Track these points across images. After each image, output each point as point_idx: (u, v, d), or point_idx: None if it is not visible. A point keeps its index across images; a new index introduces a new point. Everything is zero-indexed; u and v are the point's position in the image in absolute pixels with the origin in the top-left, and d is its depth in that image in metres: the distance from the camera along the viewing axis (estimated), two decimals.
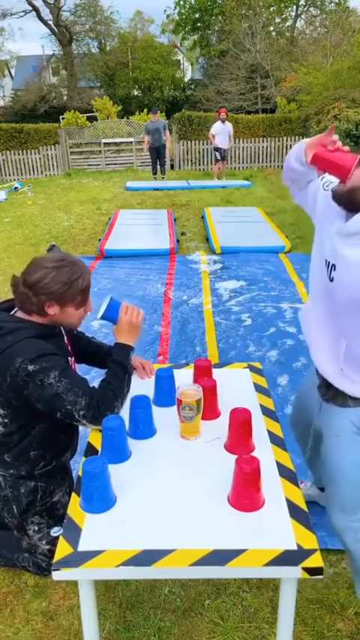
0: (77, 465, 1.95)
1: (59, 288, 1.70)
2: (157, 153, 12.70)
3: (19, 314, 1.80)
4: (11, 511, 1.93)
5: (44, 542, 1.97)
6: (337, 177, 1.48)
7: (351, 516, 1.71)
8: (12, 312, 1.83)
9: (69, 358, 1.87)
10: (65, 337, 1.96)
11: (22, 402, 1.71)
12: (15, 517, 1.94)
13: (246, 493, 1.41)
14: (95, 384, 1.77)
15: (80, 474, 1.47)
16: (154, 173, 13.11)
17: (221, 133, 12.14)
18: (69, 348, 1.95)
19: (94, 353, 2.13)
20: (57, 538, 1.91)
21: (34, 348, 1.66)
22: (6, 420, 1.78)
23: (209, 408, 1.83)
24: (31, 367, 1.62)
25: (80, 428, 2.26)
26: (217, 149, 12.45)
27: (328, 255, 1.54)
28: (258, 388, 2.05)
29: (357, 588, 1.89)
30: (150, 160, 13.38)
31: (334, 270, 1.51)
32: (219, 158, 12.69)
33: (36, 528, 1.96)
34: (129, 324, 1.85)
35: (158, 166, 12.98)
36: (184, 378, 1.96)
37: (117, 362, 1.79)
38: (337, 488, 1.72)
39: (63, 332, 1.96)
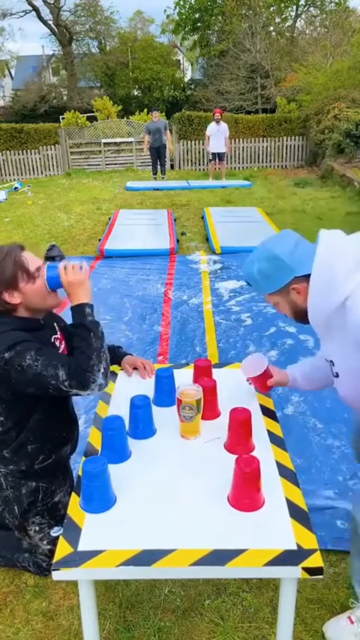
0: (77, 464, 1.95)
1: None
2: (158, 153, 12.69)
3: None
4: (12, 512, 1.93)
5: (45, 542, 1.97)
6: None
7: None
8: None
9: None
10: (58, 333, 1.94)
11: (12, 395, 1.71)
12: (16, 517, 1.94)
13: (246, 493, 1.41)
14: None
15: (80, 473, 1.47)
16: (154, 173, 13.11)
17: (215, 134, 12.07)
18: (58, 343, 1.93)
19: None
20: (57, 538, 1.91)
21: (7, 338, 1.66)
22: (1, 418, 1.79)
23: (209, 408, 1.83)
24: (7, 355, 1.62)
25: (80, 428, 2.27)
26: (212, 153, 12.44)
27: (326, 356, 1.64)
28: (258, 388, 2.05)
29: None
30: (150, 160, 13.38)
31: (333, 365, 1.59)
32: (211, 158, 12.68)
33: (37, 528, 1.96)
34: (72, 284, 1.73)
35: (158, 166, 12.97)
36: (184, 378, 1.96)
37: (76, 325, 1.73)
38: None
39: (56, 328, 1.95)
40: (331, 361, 1.58)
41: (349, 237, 1.49)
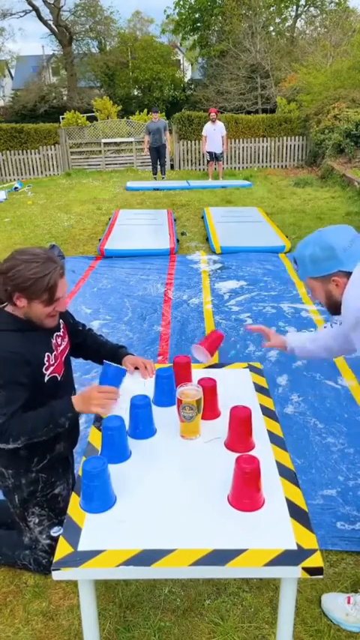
0: (77, 464, 1.95)
1: (23, 282, 1.69)
2: (157, 153, 12.68)
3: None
4: (13, 501, 1.96)
5: (44, 536, 1.99)
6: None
7: None
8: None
9: (47, 354, 1.83)
10: (62, 330, 1.95)
11: None
12: (16, 507, 1.97)
13: (246, 493, 1.41)
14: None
15: (80, 473, 1.47)
16: (154, 173, 13.10)
17: (211, 134, 12.04)
18: (60, 340, 1.93)
19: (98, 349, 2.13)
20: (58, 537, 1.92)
21: None
22: None
23: (209, 407, 1.83)
24: None
25: (80, 428, 2.27)
26: (208, 152, 12.43)
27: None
28: (258, 388, 2.05)
29: None
30: (150, 160, 13.37)
31: None
32: (209, 159, 12.68)
33: (36, 520, 1.98)
34: (91, 398, 1.77)
35: (158, 166, 12.97)
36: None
37: (54, 408, 1.78)
38: None
39: (61, 325, 1.96)
40: None
41: None
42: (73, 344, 2.07)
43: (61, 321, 1.98)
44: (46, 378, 1.82)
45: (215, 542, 1.31)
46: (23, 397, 1.75)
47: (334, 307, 1.69)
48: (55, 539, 1.95)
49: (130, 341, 4.17)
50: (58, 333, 1.94)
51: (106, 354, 2.10)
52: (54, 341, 1.89)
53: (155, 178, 13.03)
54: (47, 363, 1.83)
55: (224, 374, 2.13)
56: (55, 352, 1.88)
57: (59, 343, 1.93)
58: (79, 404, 1.78)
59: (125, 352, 2.16)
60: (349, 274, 1.60)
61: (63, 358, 1.95)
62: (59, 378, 1.89)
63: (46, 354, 1.83)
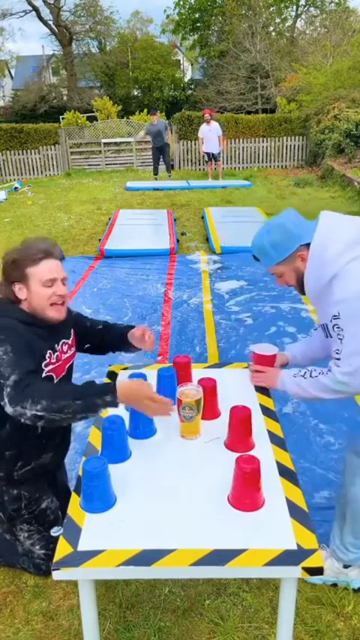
0: (77, 464, 1.95)
1: (8, 264, 1.78)
2: (161, 152, 12.65)
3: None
4: None
5: (37, 547, 1.97)
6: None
7: None
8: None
9: (49, 351, 1.82)
10: (70, 340, 1.96)
11: None
12: (3, 522, 1.96)
13: (246, 493, 1.41)
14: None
15: (80, 473, 1.47)
16: (155, 173, 13.07)
17: (207, 135, 12.04)
18: (67, 347, 1.93)
19: (104, 336, 2.11)
20: (51, 542, 1.92)
21: None
22: None
23: (209, 407, 1.83)
24: None
25: (80, 428, 2.27)
26: (205, 153, 12.43)
27: (321, 320, 1.82)
28: (258, 388, 2.05)
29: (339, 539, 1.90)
30: (151, 161, 13.37)
31: (327, 327, 1.75)
32: (207, 160, 12.69)
33: (26, 535, 1.97)
34: (143, 398, 1.62)
35: (162, 166, 12.93)
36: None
37: (89, 388, 1.62)
38: None
39: (71, 333, 1.96)
40: (326, 325, 1.75)
41: (346, 219, 1.69)
42: (94, 344, 2.10)
43: (72, 331, 1.99)
44: (43, 374, 1.81)
45: (215, 542, 1.31)
46: (33, 366, 1.69)
47: (303, 284, 1.74)
48: (50, 548, 1.95)
49: None
50: (66, 341, 1.93)
51: (115, 336, 2.11)
52: (58, 347, 1.88)
53: (156, 178, 13.01)
54: (48, 360, 1.82)
55: (224, 374, 2.13)
56: (57, 353, 1.88)
57: (64, 350, 1.92)
58: (124, 396, 1.59)
59: (124, 327, 2.12)
60: (309, 246, 1.66)
61: (66, 366, 1.94)
62: (55, 380, 1.87)
63: (48, 351, 1.83)
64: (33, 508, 1.94)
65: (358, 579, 1.95)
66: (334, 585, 1.96)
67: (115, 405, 1.59)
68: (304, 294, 1.77)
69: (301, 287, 1.76)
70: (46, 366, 1.81)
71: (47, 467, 1.97)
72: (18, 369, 1.59)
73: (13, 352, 1.64)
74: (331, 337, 1.73)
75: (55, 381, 1.87)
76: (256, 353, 2.03)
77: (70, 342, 1.97)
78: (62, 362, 1.91)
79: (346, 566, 1.93)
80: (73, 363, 2.03)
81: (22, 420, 1.56)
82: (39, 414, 1.52)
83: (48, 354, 1.83)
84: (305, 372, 1.83)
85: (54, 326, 1.86)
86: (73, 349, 2.00)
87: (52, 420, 1.55)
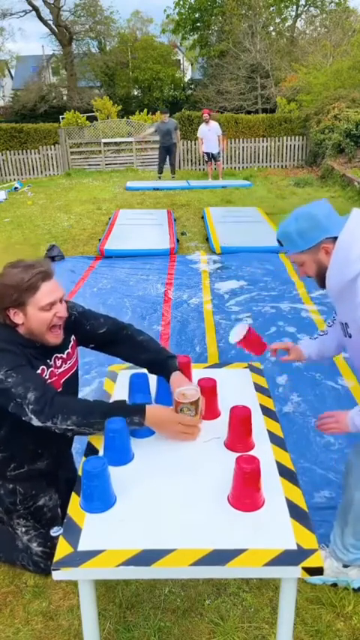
0: (77, 464, 1.95)
1: (6, 292, 1.68)
2: (167, 152, 12.64)
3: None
4: None
5: (35, 544, 1.98)
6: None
7: None
8: None
9: (42, 367, 1.79)
10: (65, 353, 1.90)
11: None
12: (2, 513, 1.98)
13: (246, 493, 1.41)
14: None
15: (80, 473, 1.47)
16: (160, 172, 13.04)
17: (206, 135, 12.02)
18: (53, 362, 1.85)
19: (138, 355, 2.00)
20: (49, 540, 1.92)
21: None
22: None
23: (209, 407, 1.83)
24: None
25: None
26: (205, 153, 12.43)
27: (341, 318, 1.79)
28: (258, 388, 2.05)
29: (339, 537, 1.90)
30: (151, 160, 13.36)
31: (348, 327, 1.74)
32: (207, 160, 12.69)
33: (23, 530, 1.97)
34: (169, 429, 1.67)
35: (167, 165, 12.91)
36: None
37: (119, 407, 1.66)
38: None
39: (69, 345, 1.91)
40: (346, 323, 1.73)
41: None
42: (103, 343, 2.01)
43: (72, 337, 1.93)
44: None
45: (215, 542, 1.31)
46: (42, 378, 1.69)
47: (323, 278, 1.71)
48: (47, 546, 1.95)
49: None
50: (60, 355, 1.87)
51: (149, 362, 1.96)
52: (51, 362, 1.84)
53: (160, 178, 12.98)
54: (46, 376, 1.80)
55: (224, 374, 2.13)
56: (51, 369, 1.83)
57: (58, 365, 1.86)
58: (155, 422, 1.66)
59: (174, 367, 1.91)
60: (335, 240, 1.63)
61: (62, 380, 1.88)
62: None
63: (42, 367, 1.79)
64: (29, 504, 1.95)
65: (358, 579, 1.95)
66: (334, 585, 1.96)
67: (141, 425, 1.66)
68: (323, 287, 1.74)
69: (321, 280, 1.73)
70: None
71: (43, 471, 1.96)
72: (32, 385, 1.61)
73: (14, 372, 1.62)
74: (350, 337, 1.72)
75: None
76: (242, 343, 2.02)
77: (65, 355, 1.90)
78: (57, 377, 1.86)
79: (345, 566, 1.93)
80: (74, 375, 1.97)
81: (53, 429, 1.61)
82: (69, 427, 1.61)
83: (41, 370, 1.78)
84: None
85: (48, 345, 1.81)
86: (72, 361, 1.93)
87: (82, 432, 1.65)
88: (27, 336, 1.75)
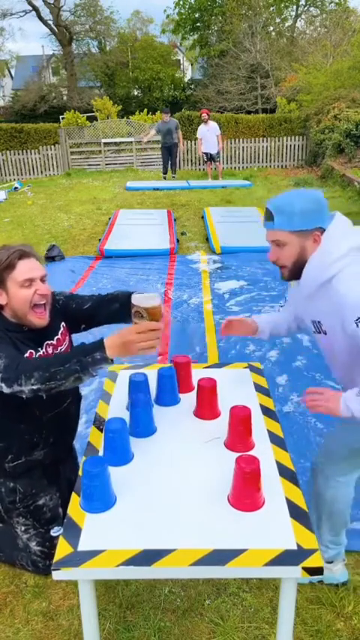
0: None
1: None
2: (169, 152, 12.65)
3: None
4: None
5: (34, 543, 1.98)
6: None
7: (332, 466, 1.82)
8: None
9: (30, 350, 1.80)
10: (55, 339, 1.91)
11: None
12: (2, 512, 1.98)
13: (246, 493, 1.41)
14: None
15: (80, 473, 1.47)
16: (164, 172, 13.03)
17: (205, 135, 12.01)
18: (51, 349, 1.88)
19: (95, 313, 2.03)
20: (48, 540, 1.93)
21: None
22: None
23: (209, 407, 1.84)
24: None
25: (80, 428, 2.26)
26: (204, 153, 12.43)
27: (312, 316, 1.76)
28: (258, 388, 2.05)
29: (321, 533, 1.91)
30: (151, 160, 13.36)
31: (321, 324, 1.71)
32: (206, 160, 12.69)
33: (22, 529, 1.98)
34: (131, 341, 1.59)
35: (169, 165, 12.93)
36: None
37: (78, 350, 1.62)
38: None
39: (62, 328, 1.94)
40: (319, 321, 1.71)
41: (352, 228, 1.65)
42: (91, 317, 2.03)
43: (62, 324, 1.95)
44: None
45: (215, 542, 1.31)
46: (18, 353, 1.71)
47: (298, 268, 1.66)
48: (46, 546, 1.96)
49: None
50: (50, 342, 1.89)
51: (121, 306, 1.99)
52: (42, 349, 1.85)
53: (165, 178, 12.98)
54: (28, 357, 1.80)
55: (224, 374, 2.13)
56: (40, 354, 1.84)
57: (49, 353, 1.86)
58: (115, 348, 1.58)
59: (127, 294, 1.99)
60: (322, 233, 1.61)
61: None
62: None
63: (29, 350, 1.80)
64: (28, 503, 1.95)
65: (343, 573, 1.98)
66: (321, 582, 1.98)
67: (107, 360, 1.59)
68: (291, 279, 1.71)
69: (294, 270, 1.67)
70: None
71: (42, 462, 1.97)
72: (3, 354, 1.62)
73: None
74: (324, 334, 1.70)
75: None
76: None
77: (55, 342, 1.91)
78: None
79: (328, 563, 1.95)
80: None
81: (25, 397, 1.59)
82: (34, 387, 1.56)
83: (28, 354, 1.79)
84: None
85: (36, 330, 1.82)
86: (63, 348, 1.94)
87: (50, 388, 1.58)
88: (13, 319, 1.79)
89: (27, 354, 1.78)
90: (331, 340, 1.72)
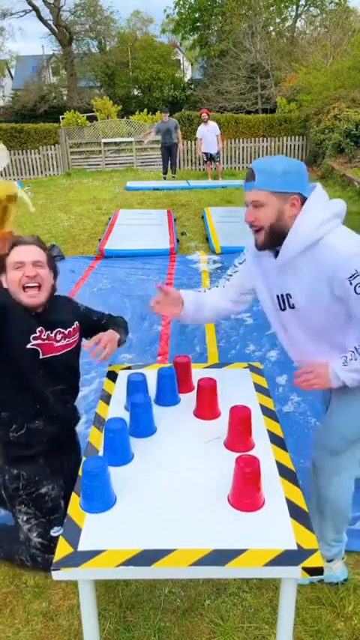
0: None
1: None
2: (168, 152, 12.64)
3: None
4: (1, 496, 2.04)
5: (34, 534, 2.00)
6: None
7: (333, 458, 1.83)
8: None
9: (40, 327, 1.94)
10: (67, 331, 2.05)
11: None
12: (5, 502, 2.04)
13: (246, 493, 1.41)
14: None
15: (80, 473, 1.47)
16: (165, 173, 13.03)
17: (205, 135, 12.01)
18: (51, 326, 1.99)
19: (105, 327, 2.20)
20: (48, 532, 1.95)
21: None
22: None
23: (209, 407, 1.84)
24: None
25: (80, 428, 2.27)
26: (204, 153, 12.44)
27: (278, 291, 1.76)
28: (258, 388, 2.05)
29: (320, 531, 1.91)
30: (151, 160, 13.36)
31: (290, 297, 1.71)
32: (206, 160, 12.70)
33: (24, 518, 2.00)
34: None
35: (169, 165, 12.94)
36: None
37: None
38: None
39: (72, 326, 2.07)
40: (288, 294, 1.71)
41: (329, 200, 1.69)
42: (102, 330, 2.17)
43: (76, 323, 2.09)
44: (29, 345, 1.91)
45: (215, 542, 1.31)
46: None
47: (274, 233, 1.65)
48: (47, 538, 1.98)
49: (129, 341, 4.17)
50: (61, 330, 2.02)
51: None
52: (52, 334, 1.98)
53: (165, 178, 12.98)
54: (38, 334, 1.93)
55: (224, 374, 2.13)
56: (50, 334, 1.97)
57: (57, 339, 2.00)
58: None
59: (105, 326, 2.21)
60: (303, 202, 1.63)
61: (59, 353, 2.00)
62: (40, 356, 1.94)
63: (41, 327, 1.94)
64: (31, 490, 1.99)
65: (343, 571, 1.98)
66: (321, 581, 1.97)
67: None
68: (264, 248, 1.70)
69: (269, 236, 1.67)
70: (34, 338, 1.92)
71: (42, 436, 2.01)
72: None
73: None
74: (292, 308, 1.71)
75: (41, 357, 1.95)
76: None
77: (66, 332, 2.04)
78: (54, 348, 1.99)
79: (329, 561, 1.95)
80: (71, 353, 2.08)
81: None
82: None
83: (39, 330, 1.93)
84: (353, 353, 1.63)
85: (47, 314, 1.97)
86: (71, 339, 2.06)
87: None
88: (17, 300, 1.93)
89: (38, 330, 1.93)
90: (300, 313, 1.70)
